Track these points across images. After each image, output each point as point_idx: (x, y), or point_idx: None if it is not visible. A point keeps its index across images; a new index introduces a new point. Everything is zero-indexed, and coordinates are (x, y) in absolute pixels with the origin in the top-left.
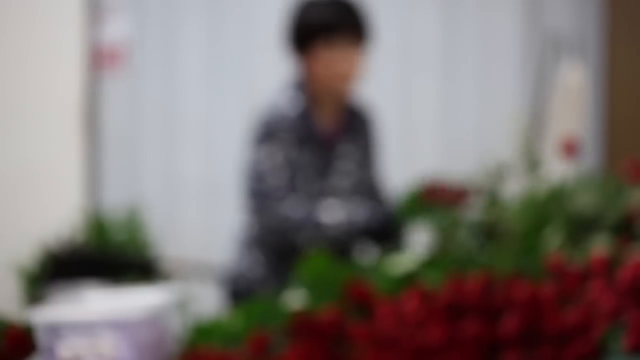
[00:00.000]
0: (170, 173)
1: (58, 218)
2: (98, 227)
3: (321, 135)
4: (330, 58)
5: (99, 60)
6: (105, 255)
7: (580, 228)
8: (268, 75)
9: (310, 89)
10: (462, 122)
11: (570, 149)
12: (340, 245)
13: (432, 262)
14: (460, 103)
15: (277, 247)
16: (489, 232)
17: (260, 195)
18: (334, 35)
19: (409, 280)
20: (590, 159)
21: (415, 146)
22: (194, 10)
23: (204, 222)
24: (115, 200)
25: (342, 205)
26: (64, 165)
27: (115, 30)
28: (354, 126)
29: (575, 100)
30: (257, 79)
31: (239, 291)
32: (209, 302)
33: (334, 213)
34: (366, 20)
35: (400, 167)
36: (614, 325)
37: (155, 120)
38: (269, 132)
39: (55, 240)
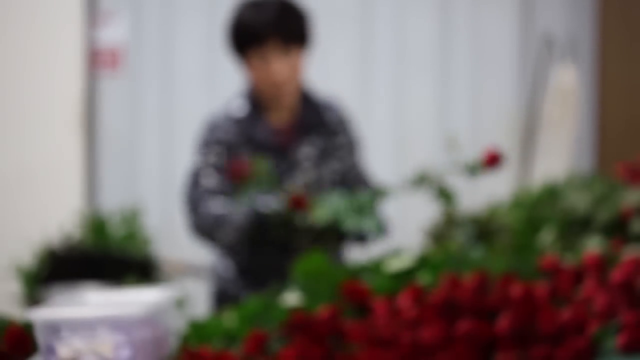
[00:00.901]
0: (167, 174)
1: (57, 218)
2: (97, 227)
3: (271, 138)
4: (262, 64)
5: (98, 62)
6: (104, 255)
7: (573, 228)
8: None
9: (253, 94)
10: (456, 124)
11: (494, 160)
12: (252, 239)
13: (427, 261)
14: (454, 105)
15: (207, 244)
16: (483, 231)
17: (190, 198)
18: (263, 41)
19: (404, 279)
20: (583, 159)
21: (409, 147)
22: (192, 12)
23: None
24: (113, 201)
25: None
26: (63, 166)
27: (114, 32)
28: (311, 126)
29: (568, 101)
30: None
31: (218, 292)
32: (205, 302)
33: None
34: (299, 20)
35: (395, 167)
36: (608, 324)
37: (153, 122)
38: (206, 136)
39: (55, 240)
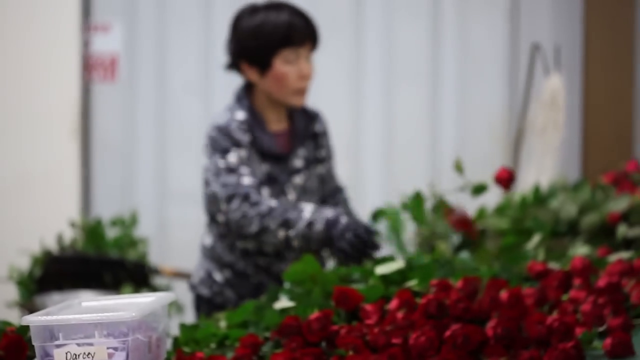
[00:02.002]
0: (162, 182)
1: (54, 224)
2: (92, 233)
3: (274, 145)
4: (294, 62)
5: (93, 70)
6: (100, 261)
7: (559, 233)
8: None
9: (259, 101)
10: (445, 132)
11: (504, 181)
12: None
13: (418, 267)
14: (443, 113)
15: (237, 239)
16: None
17: (229, 190)
18: (302, 42)
19: (395, 284)
20: (569, 166)
21: (398, 155)
22: (186, 22)
23: (194, 229)
24: (109, 208)
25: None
26: (59, 174)
27: (109, 41)
28: (303, 134)
29: (555, 109)
30: None
31: (201, 297)
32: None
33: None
34: (317, 27)
35: (384, 175)
36: (594, 328)
37: (147, 130)
38: (223, 141)
39: (51, 246)
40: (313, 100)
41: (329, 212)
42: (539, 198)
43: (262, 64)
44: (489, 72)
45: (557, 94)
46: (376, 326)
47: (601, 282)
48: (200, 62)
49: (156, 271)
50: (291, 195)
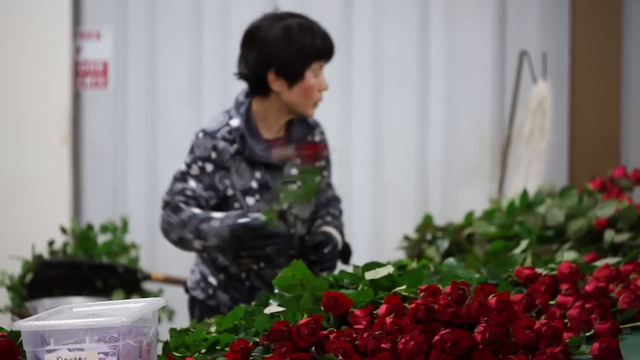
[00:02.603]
0: (152, 188)
1: (45, 230)
2: (83, 239)
3: (266, 153)
4: (318, 76)
5: (84, 77)
6: (91, 266)
7: (547, 239)
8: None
9: (261, 109)
10: (433, 139)
11: None
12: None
13: (407, 272)
14: (431, 120)
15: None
16: (459, 243)
17: (172, 198)
18: (329, 58)
19: (384, 289)
20: (556, 172)
21: (387, 161)
22: (176, 29)
23: None
24: (99, 214)
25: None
26: (50, 180)
27: (100, 49)
28: (300, 142)
29: (542, 115)
30: (234, 97)
31: (195, 299)
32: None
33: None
34: None
35: (372, 181)
36: (582, 333)
37: (137, 136)
38: (202, 149)
39: (42, 252)
40: None
41: (230, 219)
42: (527, 204)
43: (293, 75)
44: (477, 79)
45: (544, 100)
46: (365, 331)
47: (589, 287)
48: (191, 70)
49: (147, 277)
50: (290, 205)
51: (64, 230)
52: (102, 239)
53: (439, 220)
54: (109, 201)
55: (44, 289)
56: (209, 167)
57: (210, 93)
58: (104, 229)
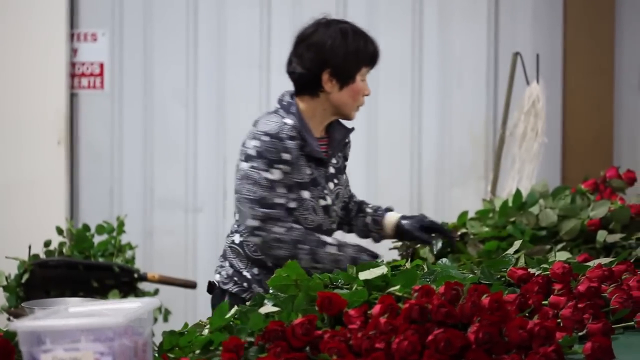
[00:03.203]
0: (148, 188)
1: (41, 231)
2: (80, 239)
3: (318, 150)
4: (364, 81)
5: (80, 79)
6: (87, 266)
7: (540, 239)
8: (240, 95)
9: (308, 110)
10: (427, 139)
11: None
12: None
13: (401, 272)
14: (425, 120)
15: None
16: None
17: (263, 206)
18: (375, 64)
19: (378, 289)
20: (550, 172)
21: (380, 162)
22: (172, 31)
23: (180, 236)
24: (96, 215)
25: None
26: (47, 181)
27: (96, 51)
28: (338, 142)
29: (536, 116)
30: (229, 98)
31: (226, 292)
32: (185, 313)
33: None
34: None
35: (367, 183)
36: (575, 333)
37: (133, 137)
38: (274, 153)
39: (39, 252)
40: None
41: (350, 250)
42: (520, 204)
43: (346, 76)
44: (470, 80)
45: (537, 101)
46: (359, 331)
47: (581, 287)
48: (186, 71)
49: (143, 277)
50: (328, 199)
51: (60, 231)
52: (98, 239)
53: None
54: (105, 202)
55: (40, 289)
56: (286, 168)
57: (206, 94)
58: (100, 229)
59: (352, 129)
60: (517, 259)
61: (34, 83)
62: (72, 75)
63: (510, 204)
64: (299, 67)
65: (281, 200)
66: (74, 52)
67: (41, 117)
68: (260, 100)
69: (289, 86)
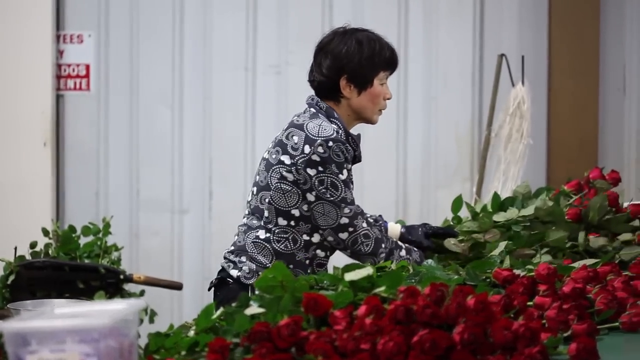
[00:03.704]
0: (134, 190)
1: (27, 232)
2: (66, 240)
3: (358, 154)
4: (384, 86)
5: (66, 80)
6: (73, 267)
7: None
8: (226, 97)
9: (343, 117)
10: (412, 141)
11: None
12: None
13: (387, 274)
14: (412, 123)
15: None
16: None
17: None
18: (394, 70)
19: (364, 290)
20: (535, 173)
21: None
22: (158, 33)
23: (165, 237)
24: (81, 216)
25: None
26: (33, 182)
27: (82, 51)
28: (358, 146)
29: (521, 117)
30: (215, 100)
31: (248, 288)
32: (171, 315)
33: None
34: None
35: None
36: (560, 334)
37: (119, 139)
38: (338, 157)
39: (25, 253)
40: (284, 110)
41: (415, 255)
42: (499, 206)
43: (364, 81)
44: (456, 82)
45: (522, 103)
46: (345, 332)
47: (566, 288)
48: (172, 73)
49: (129, 278)
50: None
51: (46, 232)
52: (84, 240)
53: (418, 223)
54: (91, 203)
55: (26, 290)
56: (350, 167)
57: (192, 96)
58: (86, 230)
59: (358, 135)
60: (502, 260)
61: (19, 84)
62: (58, 77)
63: (491, 206)
64: (318, 75)
65: (354, 198)
66: (59, 53)
67: (27, 118)
68: (246, 102)
69: (275, 88)
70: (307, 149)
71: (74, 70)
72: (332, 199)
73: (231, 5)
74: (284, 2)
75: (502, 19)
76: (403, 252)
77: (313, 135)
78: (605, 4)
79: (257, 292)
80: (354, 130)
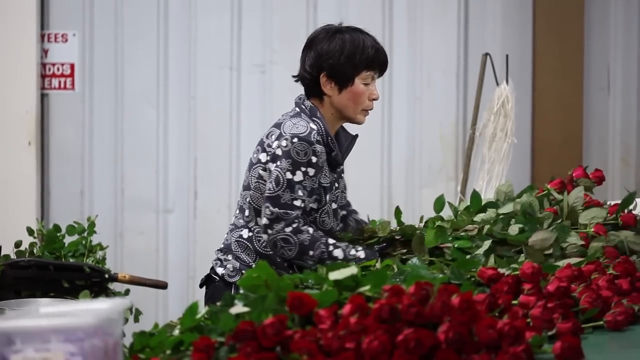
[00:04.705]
0: (118, 189)
1: (11, 232)
2: (50, 240)
3: (338, 154)
4: (369, 85)
5: (51, 79)
6: (58, 267)
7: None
8: (210, 97)
9: (326, 115)
10: (397, 140)
11: None
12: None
13: (371, 273)
14: (396, 122)
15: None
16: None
17: (284, 207)
18: (380, 70)
19: (348, 289)
20: (519, 172)
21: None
22: (142, 32)
23: (150, 237)
24: (66, 216)
25: None
26: (17, 182)
27: (66, 51)
28: (346, 147)
29: (505, 116)
30: (200, 99)
31: (231, 285)
32: (156, 314)
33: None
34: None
35: None
36: (544, 333)
37: (104, 138)
38: (302, 156)
39: (10, 252)
40: (269, 110)
41: (350, 253)
42: (480, 206)
43: (344, 79)
44: (440, 81)
45: (506, 102)
46: (330, 331)
47: (551, 286)
48: (157, 72)
49: (114, 278)
50: (336, 203)
51: (30, 231)
52: (68, 240)
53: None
54: (76, 202)
55: (11, 289)
56: (311, 171)
57: (176, 95)
58: (71, 230)
59: (357, 135)
60: (487, 259)
61: (4, 84)
62: (43, 76)
63: (472, 206)
64: (302, 70)
65: (298, 203)
66: (44, 52)
67: (11, 117)
68: (231, 101)
69: (259, 88)
70: (275, 144)
71: (58, 69)
72: (267, 193)
73: (216, 4)
74: (269, 1)
75: (487, 18)
76: (338, 252)
77: (284, 132)
78: (590, 3)
79: (241, 291)
80: (352, 130)
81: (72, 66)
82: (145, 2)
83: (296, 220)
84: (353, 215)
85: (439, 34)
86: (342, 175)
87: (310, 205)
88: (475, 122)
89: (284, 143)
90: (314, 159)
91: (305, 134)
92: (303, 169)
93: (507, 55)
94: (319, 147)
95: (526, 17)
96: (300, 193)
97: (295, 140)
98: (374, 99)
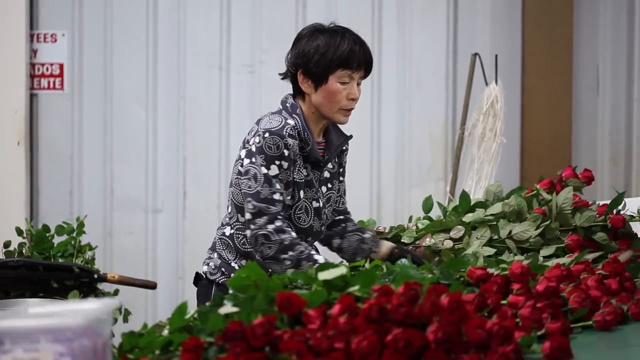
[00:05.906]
0: (108, 189)
1: (1, 231)
2: (39, 240)
3: (316, 152)
4: (347, 84)
5: (40, 79)
6: (47, 267)
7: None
8: (200, 96)
9: (307, 112)
10: (386, 141)
11: None
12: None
13: (361, 273)
14: (385, 122)
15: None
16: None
17: (260, 202)
18: (358, 68)
19: (338, 289)
20: (509, 171)
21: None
22: (132, 33)
23: (139, 237)
24: (55, 216)
25: None
26: (6, 181)
27: (56, 51)
28: (336, 148)
29: (494, 116)
30: (189, 99)
31: (213, 283)
32: (145, 314)
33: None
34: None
35: None
36: (533, 332)
37: (93, 138)
38: (273, 150)
39: None
40: (258, 110)
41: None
42: (468, 206)
43: (317, 77)
44: (429, 81)
45: (496, 102)
46: (319, 331)
47: (540, 286)
48: (146, 72)
49: (103, 278)
50: (320, 202)
51: (19, 232)
52: (57, 240)
53: (392, 222)
54: (65, 202)
55: (0, 289)
56: (285, 164)
57: (166, 95)
58: (60, 230)
59: (350, 136)
60: (476, 259)
61: None
62: (32, 76)
63: (466, 205)
64: (286, 66)
65: (277, 196)
66: (33, 52)
67: (0, 118)
68: (220, 101)
69: (248, 87)
70: (251, 141)
71: (47, 69)
72: (246, 190)
73: (205, 4)
74: (258, 1)
75: (476, 18)
76: (319, 257)
77: (260, 129)
78: (579, 4)
79: (220, 289)
80: (346, 131)
81: (61, 66)
82: (135, 3)
83: (279, 218)
84: (352, 229)
85: (428, 34)
86: (342, 178)
87: (288, 199)
88: (465, 122)
89: (257, 139)
90: (286, 152)
91: (277, 128)
92: (277, 162)
93: (496, 55)
94: (291, 141)
95: (515, 17)
96: (278, 186)
97: (267, 135)
98: (353, 99)
